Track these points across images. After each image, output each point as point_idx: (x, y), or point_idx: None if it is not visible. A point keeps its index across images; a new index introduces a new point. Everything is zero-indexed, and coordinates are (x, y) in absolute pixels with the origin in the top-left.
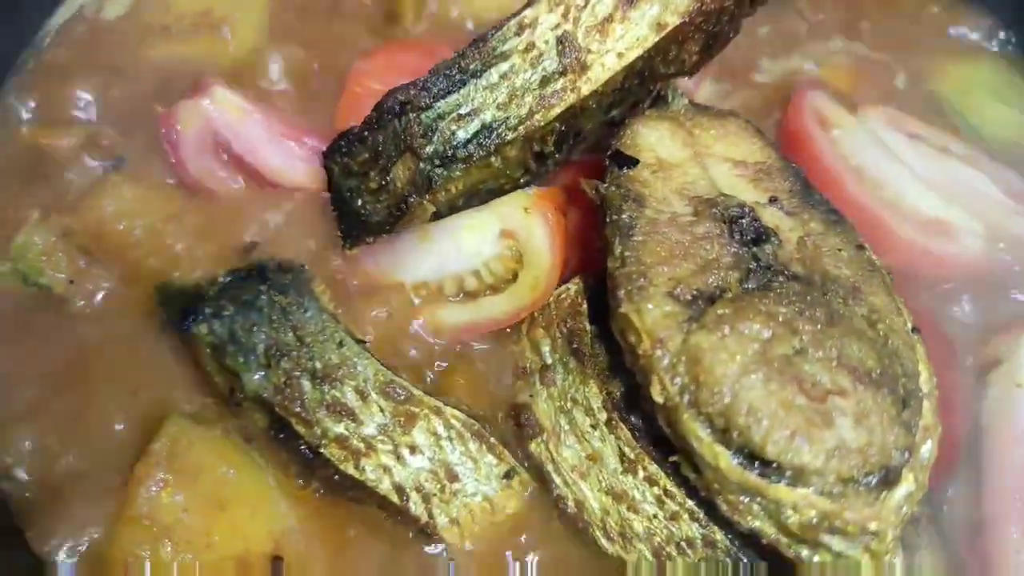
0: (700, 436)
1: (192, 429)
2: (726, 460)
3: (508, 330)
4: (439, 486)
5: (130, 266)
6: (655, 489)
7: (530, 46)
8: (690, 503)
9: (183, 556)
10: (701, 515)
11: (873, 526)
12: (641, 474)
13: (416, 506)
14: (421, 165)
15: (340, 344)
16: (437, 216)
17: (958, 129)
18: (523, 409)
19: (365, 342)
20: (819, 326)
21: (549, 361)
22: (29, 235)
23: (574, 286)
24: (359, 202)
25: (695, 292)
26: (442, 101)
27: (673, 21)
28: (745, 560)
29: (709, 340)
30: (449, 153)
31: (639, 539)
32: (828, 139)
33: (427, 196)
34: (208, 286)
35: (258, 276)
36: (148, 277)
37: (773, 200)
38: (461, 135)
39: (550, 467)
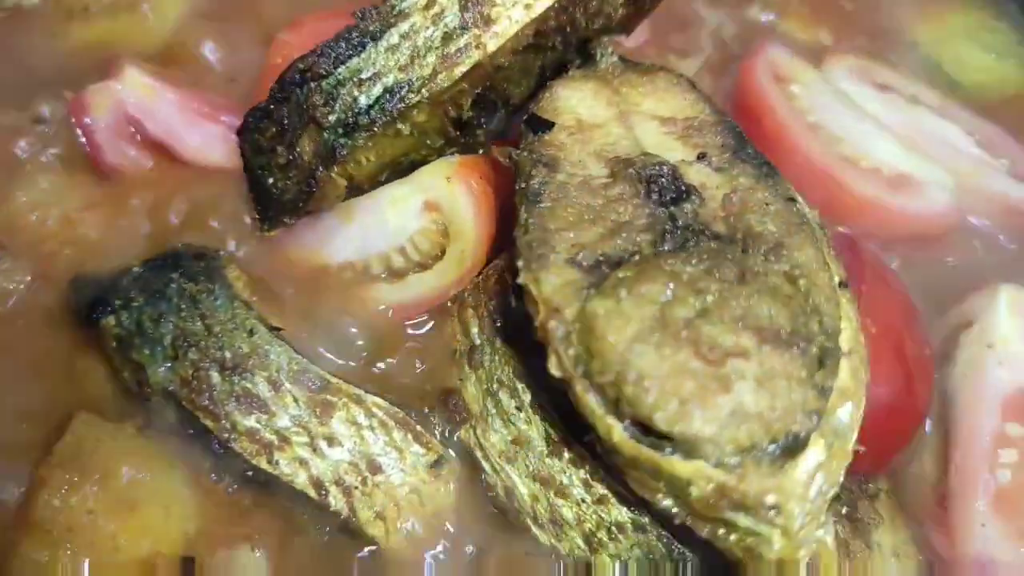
0: (593, 409)
1: (100, 427)
2: (619, 433)
3: (448, 308)
4: (360, 478)
5: (45, 259)
6: (581, 472)
7: (431, 2)
8: (616, 485)
9: (83, 560)
10: (630, 496)
11: (771, 499)
12: (566, 456)
13: (336, 500)
14: (325, 135)
15: (251, 332)
16: (358, 191)
17: (933, 78)
18: (452, 394)
19: (280, 329)
20: (727, 285)
21: (477, 342)
22: None
23: (503, 262)
24: (270, 180)
25: (600, 257)
26: (342, 67)
27: None
28: (676, 544)
29: (605, 306)
30: (351, 121)
31: (569, 526)
32: (783, 95)
33: (335, 169)
34: (122, 276)
35: (171, 264)
36: (64, 270)
37: (701, 157)
38: (363, 101)
39: (479, 453)
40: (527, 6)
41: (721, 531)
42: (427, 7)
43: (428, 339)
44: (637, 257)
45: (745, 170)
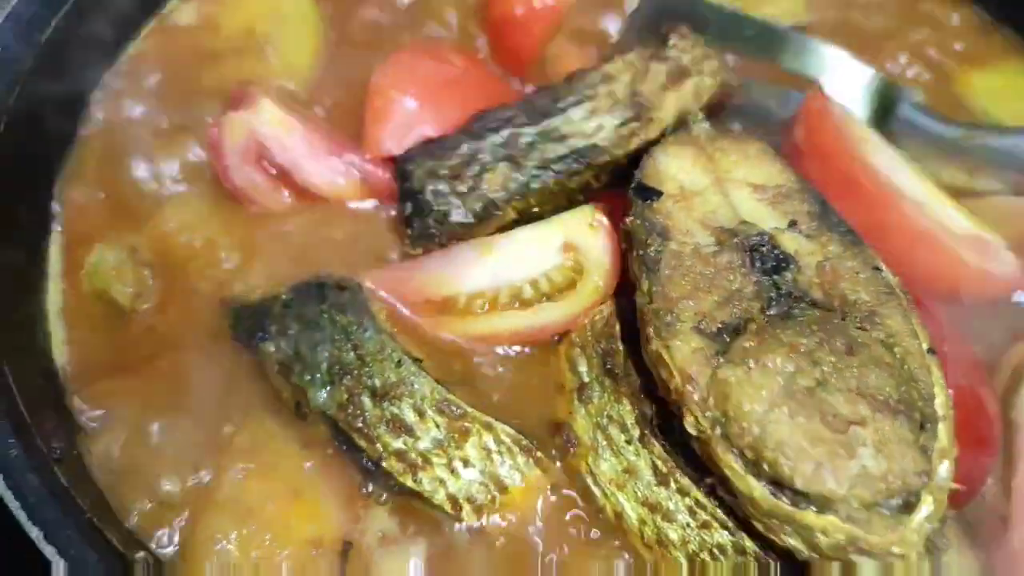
0: (733, 467)
1: (270, 427)
2: (759, 491)
3: (554, 342)
4: (490, 497)
5: (191, 278)
6: (687, 500)
7: (611, 93)
8: (720, 513)
9: (264, 536)
10: (731, 524)
11: (896, 549)
12: (674, 486)
13: (468, 515)
14: (518, 174)
15: (398, 363)
16: (511, 226)
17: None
18: (563, 425)
19: (421, 360)
20: (839, 356)
21: (586, 380)
22: (101, 253)
23: (607, 308)
24: (443, 204)
25: (720, 324)
26: (544, 122)
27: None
28: (773, 565)
29: (736, 374)
30: (545, 166)
31: (674, 546)
32: (861, 157)
33: (515, 202)
34: (272, 302)
35: (318, 294)
36: (207, 291)
37: (792, 224)
38: (560, 150)
39: (589, 480)
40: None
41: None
42: (608, 96)
43: (529, 372)
44: (753, 325)
45: (832, 238)
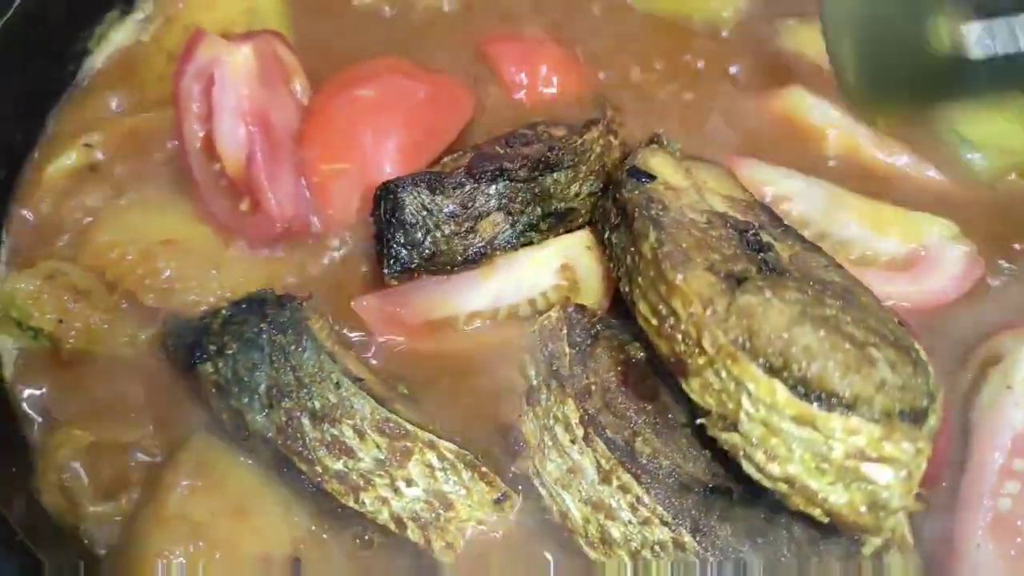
0: (756, 376)
1: (216, 444)
2: (784, 393)
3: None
4: (434, 514)
5: (125, 297)
6: (628, 497)
7: (588, 163)
8: (659, 509)
9: (213, 553)
10: (669, 518)
11: (920, 445)
12: (615, 483)
13: (413, 534)
14: (508, 228)
15: (337, 385)
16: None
17: None
18: (512, 428)
19: (362, 380)
20: (840, 301)
21: (534, 383)
22: (13, 282)
23: (555, 313)
24: (432, 242)
25: (727, 272)
26: (540, 180)
27: None
28: (711, 560)
29: (757, 299)
30: (535, 226)
31: (617, 545)
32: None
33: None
34: (212, 319)
35: (257, 311)
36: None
37: (762, 226)
38: (547, 210)
39: (536, 481)
40: None
41: (832, 497)
42: (587, 165)
43: (481, 377)
44: (756, 279)
45: (797, 241)
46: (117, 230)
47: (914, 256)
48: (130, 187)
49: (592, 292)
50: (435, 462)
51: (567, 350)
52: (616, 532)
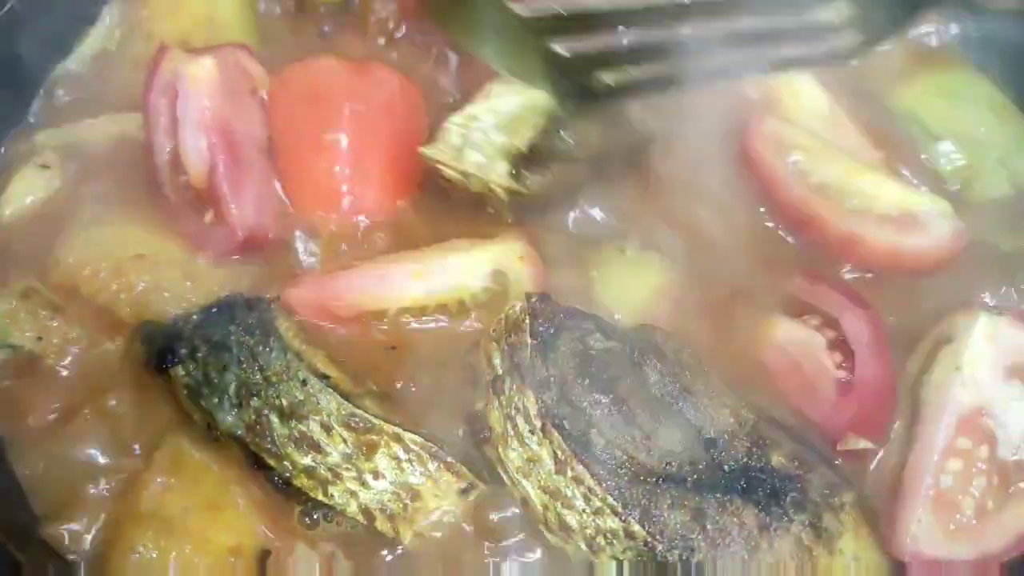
0: None
1: (188, 444)
2: None
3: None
4: (402, 505)
5: (100, 310)
6: (581, 488)
7: None
8: (610, 499)
9: (184, 547)
10: (619, 508)
11: None
12: (570, 474)
13: (382, 524)
14: None
15: (303, 382)
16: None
17: None
18: (478, 416)
19: (328, 377)
20: None
21: (500, 372)
22: None
23: (519, 304)
24: None
25: None
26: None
27: None
28: (659, 548)
29: None
30: None
31: (574, 532)
32: (784, 164)
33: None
34: (183, 323)
35: (227, 314)
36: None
37: None
38: None
39: (499, 468)
40: None
41: None
42: None
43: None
44: None
45: None
46: (86, 248)
47: (904, 218)
48: (94, 202)
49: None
50: (401, 454)
51: (529, 341)
52: (572, 520)
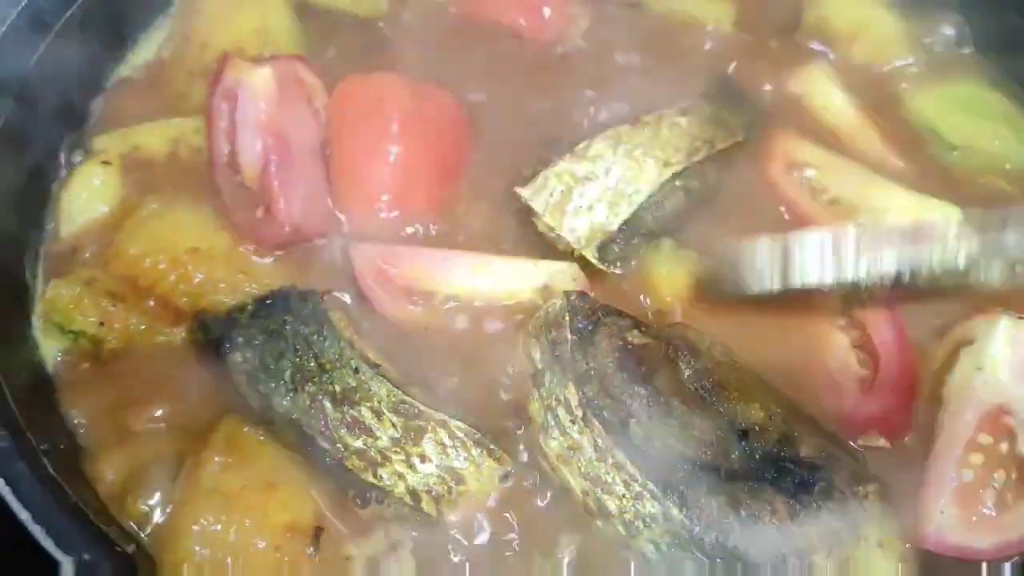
0: None
1: (243, 426)
2: None
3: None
4: (447, 488)
5: (158, 299)
6: (622, 474)
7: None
8: (650, 484)
9: (244, 522)
10: (659, 493)
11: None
12: (611, 461)
13: (428, 506)
14: None
15: (356, 370)
16: None
17: None
18: (520, 408)
19: (379, 366)
20: None
21: (539, 366)
22: (55, 289)
23: (559, 301)
24: None
25: None
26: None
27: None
28: (696, 530)
29: None
30: None
31: (613, 516)
32: (796, 181)
33: None
34: (239, 313)
35: (282, 305)
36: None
37: None
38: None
39: (540, 457)
40: None
41: None
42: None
43: (491, 360)
44: None
45: None
46: (146, 240)
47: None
48: (152, 199)
49: None
50: (447, 440)
51: (569, 336)
52: (612, 505)
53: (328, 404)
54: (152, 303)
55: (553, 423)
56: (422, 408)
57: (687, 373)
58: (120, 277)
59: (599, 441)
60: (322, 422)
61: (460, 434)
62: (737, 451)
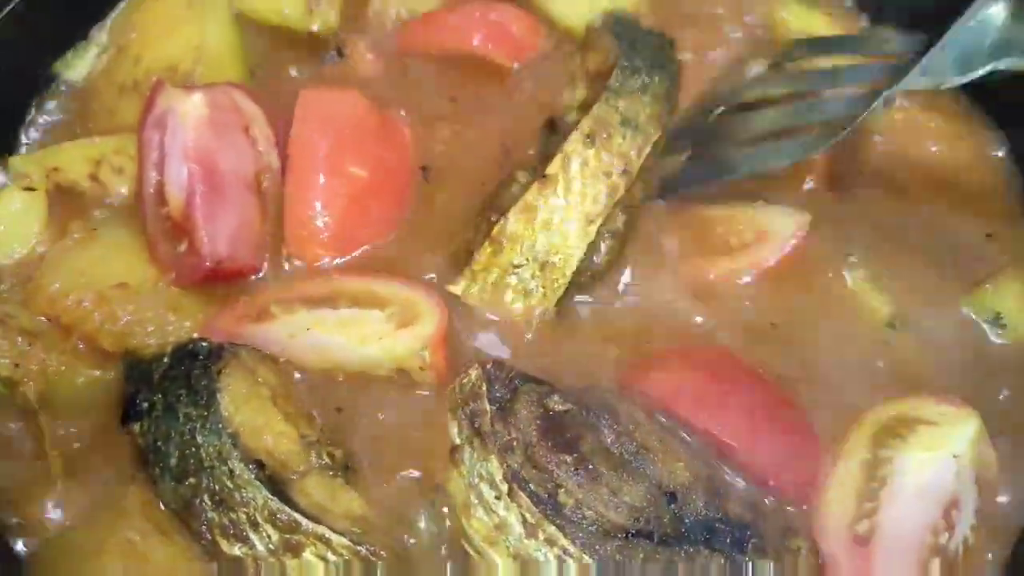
0: None
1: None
2: None
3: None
4: None
5: (82, 340)
6: (555, 549)
7: None
8: (585, 557)
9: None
10: (595, 567)
11: None
12: (542, 536)
13: None
14: None
15: (231, 473)
16: None
17: None
18: (438, 488)
19: (262, 464)
20: None
21: (458, 442)
22: None
23: (474, 371)
24: None
25: None
26: None
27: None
28: None
29: None
30: None
31: None
32: None
33: None
34: (157, 365)
35: (186, 367)
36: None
37: None
38: None
39: (463, 540)
40: None
41: None
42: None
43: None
44: None
45: None
46: (66, 275)
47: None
48: (74, 229)
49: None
50: (330, 556)
51: (487, 407)
52: None
53: (208, 502)
54: (74, 343)
55: (477, 501)
56: (302, 522)
57: (610, 438)
58: (42, 314)
59: (527, 516)
60: (201, 521)
61: (344, 552)
62: (668, 515)
